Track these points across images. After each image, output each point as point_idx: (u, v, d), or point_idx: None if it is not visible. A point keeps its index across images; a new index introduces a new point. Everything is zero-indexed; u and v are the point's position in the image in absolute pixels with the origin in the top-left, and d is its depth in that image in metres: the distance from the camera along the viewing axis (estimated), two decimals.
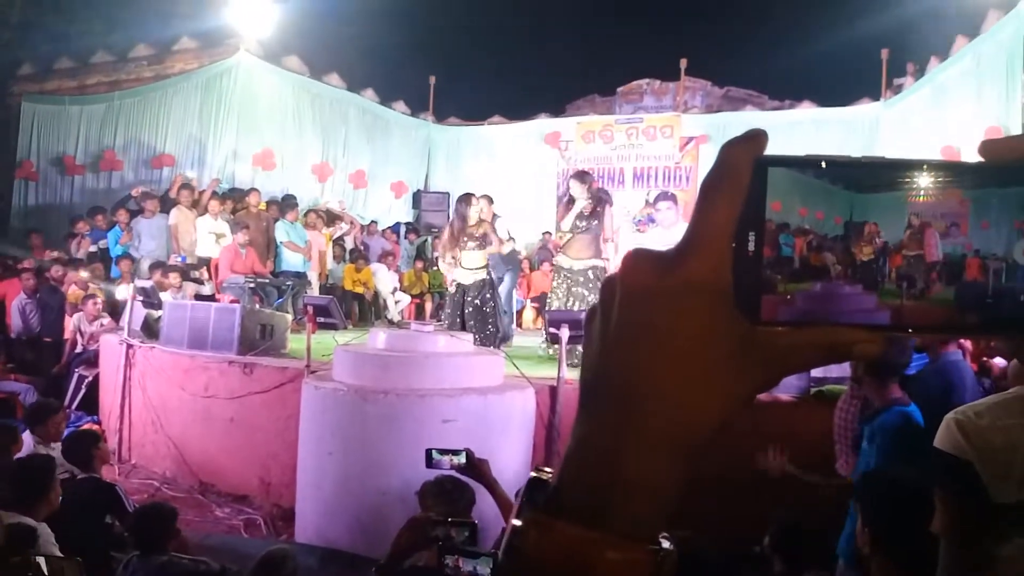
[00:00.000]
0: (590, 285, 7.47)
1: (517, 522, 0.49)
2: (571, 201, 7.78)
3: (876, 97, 13.20)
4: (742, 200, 0.46)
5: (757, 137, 0.47)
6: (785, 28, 17.32)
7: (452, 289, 8.15)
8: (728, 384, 0.47)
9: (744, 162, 0.47)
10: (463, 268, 7.89)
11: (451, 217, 8.36)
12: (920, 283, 0.48)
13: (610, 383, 0.48)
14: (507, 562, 0.49)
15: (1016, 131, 8.55)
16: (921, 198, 0.49)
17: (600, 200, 7.69)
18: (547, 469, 0.52)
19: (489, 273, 7.99)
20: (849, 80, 14.06)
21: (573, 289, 7.54)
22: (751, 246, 0.47)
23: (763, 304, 0.47)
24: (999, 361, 5.77)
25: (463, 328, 7.56)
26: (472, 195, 8.07)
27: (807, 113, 13.95)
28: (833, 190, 0.50)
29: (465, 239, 7.84)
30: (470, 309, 7.80)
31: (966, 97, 10.12)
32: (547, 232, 13.70)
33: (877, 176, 0.49)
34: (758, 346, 0.46)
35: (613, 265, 7.42)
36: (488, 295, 7.89)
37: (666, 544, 0.48)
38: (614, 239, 7.52)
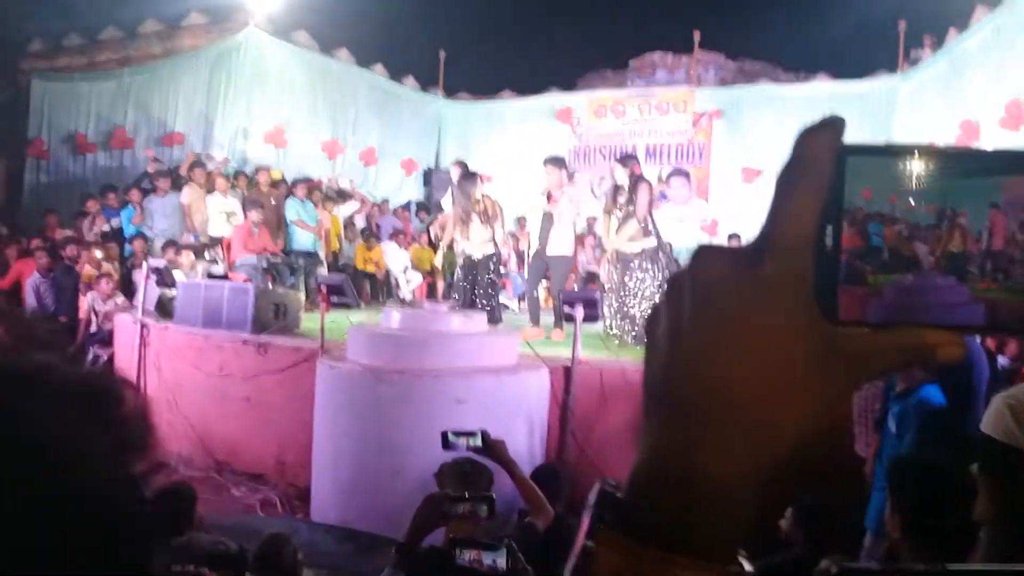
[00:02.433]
0: (645, 266, 7.43)
1: (588, 542, 0.46)
2: (617, 188, 7.79)
3: (893, 70, 12.99)
4: (824, 194, 0.43)
5: (836, 125, 0.43)
6: None
7: (461, 261, 8.39)
8: (814, 387, 0.43)
9: (825, 153, 0.43)
10: (472, 242, 8.11)
11: (454, 196, 8.43)
12: (1015, 277, 0.44)
13: (682, 388, 0.44)
14: None
15: None
16: (1013, 186, 0.45)
17: (638, 181, 7.66)
18: (612, 481, 0.49)
19: (496, 247, 8.17)
20: (865, 52, 13.84)
21: (628, 274, 7.48)
22: (829, 241, 0.43)
23: (841, 302, 0.43)
24: None
25: (472, 301, 7.74)
26: (476, 174, 8.29)
27: (822, 86, 13.71)
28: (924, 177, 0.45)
29: (472, 215, 8.04)
30: (480, 288, 8.01)
31: (985, 69, 9.92)
32: None
33: (967, 164, 0.45)
34: (839, 348, 0.43)
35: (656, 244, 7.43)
36: (495, 269, 8.21)
37: (747, 565, 0.45)
38: (647, 222, 7.46)
